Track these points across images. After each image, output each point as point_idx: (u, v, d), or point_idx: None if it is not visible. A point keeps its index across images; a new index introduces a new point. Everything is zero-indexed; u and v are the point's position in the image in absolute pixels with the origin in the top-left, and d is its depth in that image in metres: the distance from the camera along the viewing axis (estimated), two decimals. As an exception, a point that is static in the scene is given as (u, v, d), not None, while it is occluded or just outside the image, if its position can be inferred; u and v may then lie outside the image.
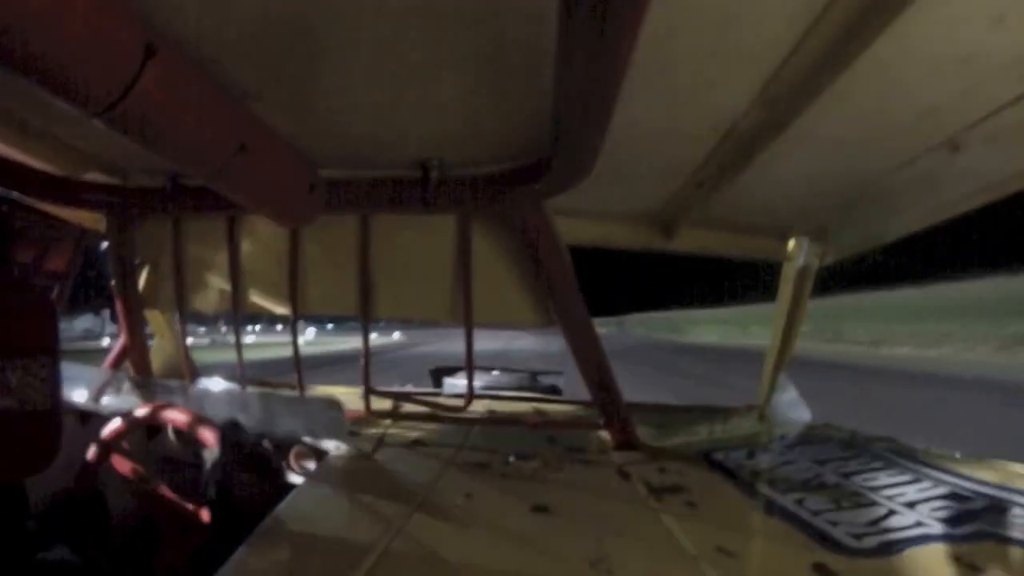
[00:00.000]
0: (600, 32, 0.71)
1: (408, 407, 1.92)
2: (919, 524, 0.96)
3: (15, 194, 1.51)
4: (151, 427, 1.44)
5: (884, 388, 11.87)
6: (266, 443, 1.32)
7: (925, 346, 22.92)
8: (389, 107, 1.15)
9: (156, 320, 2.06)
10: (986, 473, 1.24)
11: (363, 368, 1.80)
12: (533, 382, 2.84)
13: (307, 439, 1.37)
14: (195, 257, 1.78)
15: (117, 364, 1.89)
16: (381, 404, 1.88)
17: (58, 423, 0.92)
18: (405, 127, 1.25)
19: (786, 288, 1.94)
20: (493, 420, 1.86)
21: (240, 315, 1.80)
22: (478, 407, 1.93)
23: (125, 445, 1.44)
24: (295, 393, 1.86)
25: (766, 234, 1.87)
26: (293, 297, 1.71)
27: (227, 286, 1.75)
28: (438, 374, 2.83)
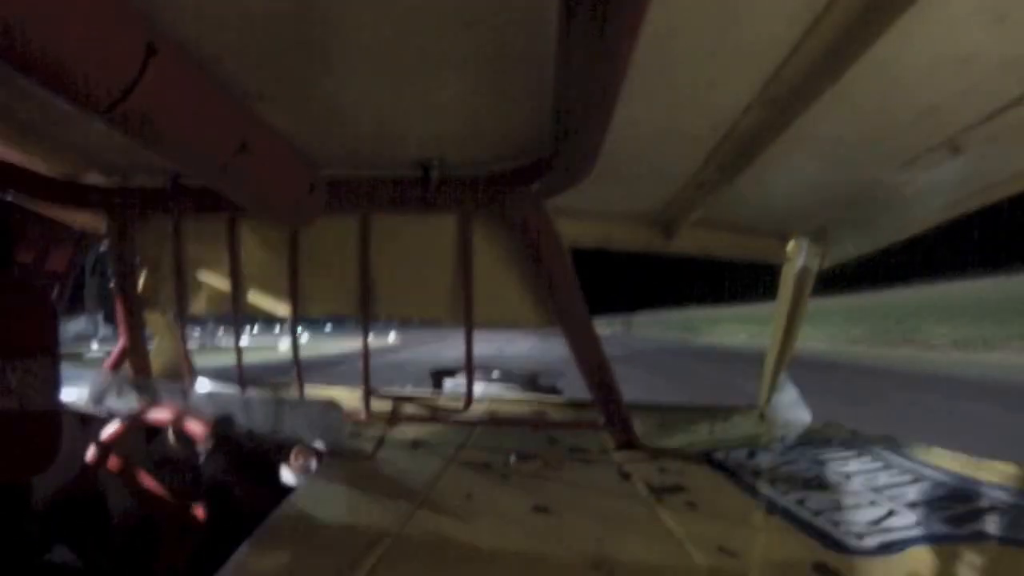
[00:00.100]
0: (600, 32, 0.71)
1: (408, 408, 1.91)
2: (920, 524, 0.96)
3: (16, 195, 1.51)
4: (151, 428, 1.44)
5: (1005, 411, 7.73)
6: (256, 436, 1.32)
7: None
8: (389, 107, 1.15)
9: (156, 321, 2.06)
10: (988, 474, 1.23)
11: (363, 369, 1.80)
12: (533, 383, 2.84)
13: (307, 441, 1.37)
14: (195, 258, 1.78)
15: (117, 365, 1.89)
16: (381, 405, 1.88)
17: (58, 424, 0.92)
18: (405, 127, 1.25)
19: (786, 289, 1.94)
20: (493, 421, 1.86)
21: (240, 316, 1.80)
22: (478, 408, 1.93)
23: (125, 446, 1.44)
24: (295, 395, 1.86)
25: (766, 235, 1.87)
26: (293, 298, 1.71)
27: (227, 287, 1.75)
28: (438, 375, 2.83)
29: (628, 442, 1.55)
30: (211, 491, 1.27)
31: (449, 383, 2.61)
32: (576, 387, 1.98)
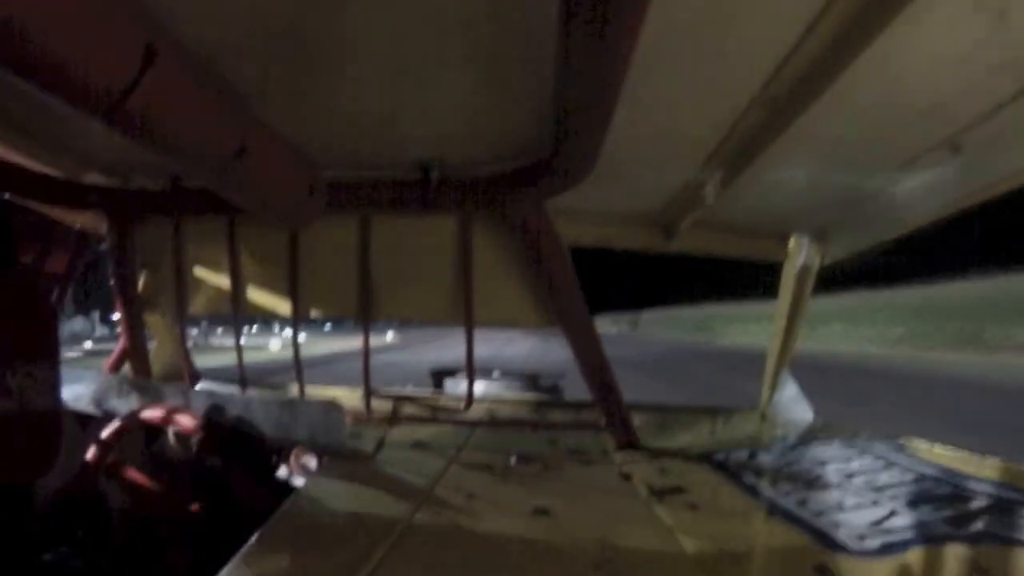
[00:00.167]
0: (600, 32, 0.71)
1: (408, 408, 1.91)
2: (922, 524, 0.96)
3: (16, 195, 1.51)
4: (151, 429, 1.44)
5: None
6: (268, 445, 1.32)
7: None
8: (389, 108, 1.15)
9: (156, 323, 2.06)
10: (990, 473, 1.23)
11: (363, 370, 1.80)
12: (534, 383, 2.83)
13: (308, 441, 1.36)
14: (195, 259, 1.78)
15: (117, 366, 1.89)
16: (382, 406, 1.88)
17: (59, 425, 0.92)
18: (405, 128, 1.25)
19: (787, 288, 1.94)
20: (494, 421, 1.86)
21: (240, 317, 1.80)
22: (479, 408, 1.93)
23: (125, 446, 1.44)
24: (295, 395, 1.86)
25: (767, 234, 1.87)
26: (293, 298, 1.71)
27: (227, 288, 1.75)
28: (438, 375, 2.82)
29: (629, 443, 1.55)
30: (211, 491, 1.27)
31: (450, 383, 2.61)
32: (576, 387, 1.98)
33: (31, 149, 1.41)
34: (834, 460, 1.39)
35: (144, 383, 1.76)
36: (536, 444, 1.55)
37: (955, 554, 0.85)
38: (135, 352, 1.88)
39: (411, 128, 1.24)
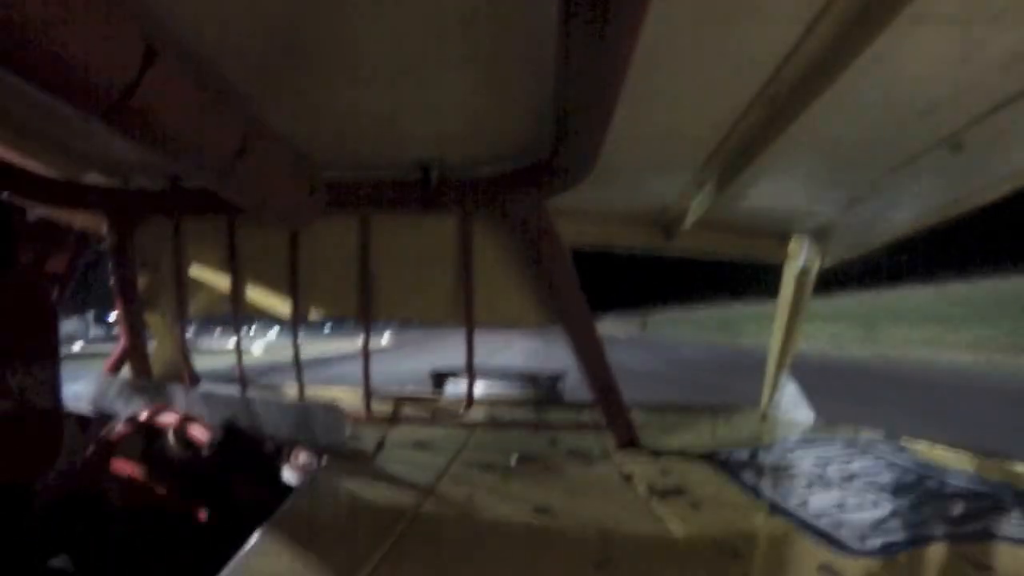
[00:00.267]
0: (600, 32, 0.71)
1: (409, 409, 1.91)
2: (924, 524, 0.96)
3: (16, 196, 1.51)
4: (151, 429, 1.44)
5: None
6: (268, 445, 1.32)
7: None
8: (389, 109, 1.15)
9: (156, 323, 2.06)
10: (992, 472, 1.23)
11: (363, 370, 1.80)
12: (535, 383, 2.83)
13: (308, 442, 1.36)
14: (195, 259, 1.78)
15: (117, 367, 1.89)
16: (382, 407, 1.88)
17: (59, 425, 0.92)
18: (405, 129, 1.25)
19: (787, 288, 1.94)
20: (494, 422, 1.86)
21: (240, 318, 1.80)
22: (479, 409, 1.93)
23: (125, 447, 1.44)
24: (295, 396, 1.86)
25: (767, 234, 1.87)
26: (293, 299, 1.71)
27: (227, 289, 1.75)
28: (438, 376, 2.82)
29: (629, 443, 1.55)
30: (211, 491, 1.27)
31: (450, 384, 2.61)
32: (577, 388, 1.96)
33: (31, 149, 1.41)
34: (836, 460, 1.39)
35: (144, 383, 1.76)
36: (536, 444, 1.55)
37: (957, 553, 0.85)
38: (135, 352, 1.88)
39: (411, 128, 1.24)
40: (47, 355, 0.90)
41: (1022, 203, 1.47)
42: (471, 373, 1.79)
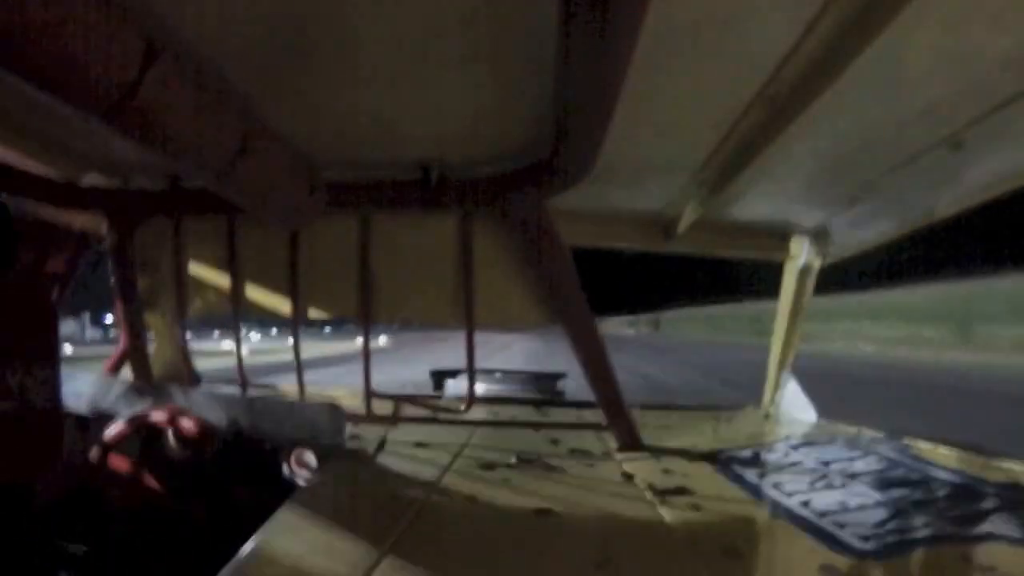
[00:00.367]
0: (600, 32, 0.71)
1: (409, 409, 1.91)
2: (927, 525, 0.95)
3: (16, 197, 1.51)
4: (151, 429, 1.44)
5: None
6: (268, 445, 1.32)
7: None
8: (389, 108, 1.15)
9: (156, 323, 2.06)
10: (995, 473, 1.23)
11: (364, 370, 1.80)
12: (535, 383, 2.83)
13: (308, 442, 1.36)
14: (195, 260, 1.78)
15: (117, 368, 1.89)
16: (382, 407, 1.87)
17: (59, 424, 0.92)
18: (405, 128, 1.25)
19: (788, 287, 1.94)
20: (495, 422, 1.86)
21: (240, 318, 1.80)
22: (480, 409, 1.92)
23: (125, 447, 1.44)
24: (296, 396, 1.86)
25: (767, 234, 1.88)
26: (294, 299, 1.71)
27: (227, 289, 1.75)
28: (439, 376, 2.82)
29: (631, 443, 1.55)
30: (211, 491, 1.27)
31: (451, 384, 2.61)
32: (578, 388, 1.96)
33: (31, 150, 1.41)
34: (838, 460, 1.38)
35: (144, 383, 1.76)
36: (537, 444, 1.55)
37: (961, 554, 0.85)
38: (135, 353, 1.88)
39: (411, 128, 1.24)
40: (47, 355, 0.90)
41: (1022, 203, 1.47)
42: (471, 373, 1.79)
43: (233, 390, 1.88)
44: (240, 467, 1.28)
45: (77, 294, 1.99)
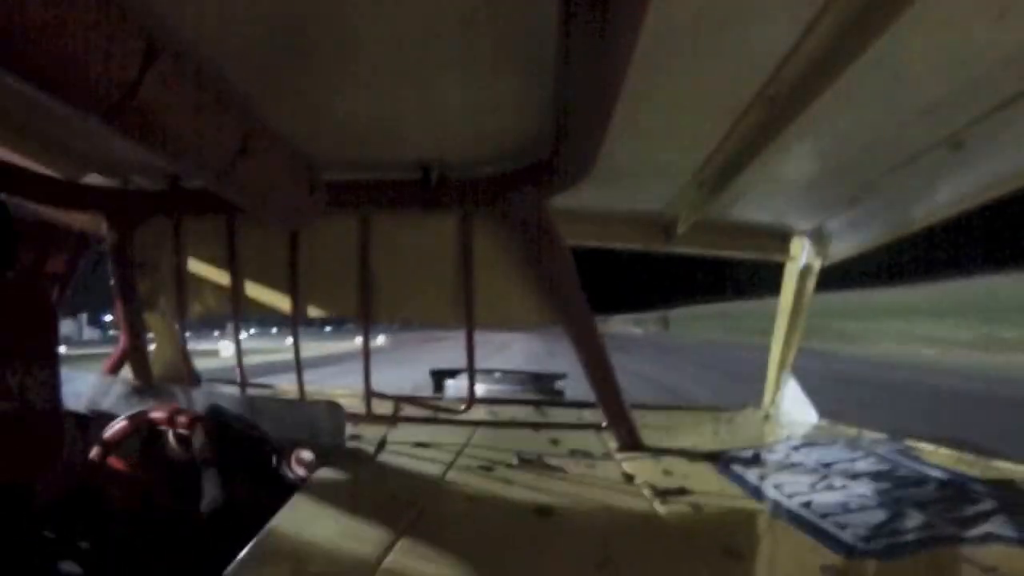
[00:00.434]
0: (600, 32, 0.71)
1: (409, 409, 1.91)
2: (928, 526, 0.95)
3: (16, 197, 1.51)
4: (151, 429, 1.44)
5: None
6: (268, 445, 1.32)
7: None
8: (389, 109, 1.15)
9: (156, 323, 2.06)
10: (996, 474, 1.23)
11: (364, 371, 1.80)
12: (536, 383, 2.83)
13: (308, 442, 1.36)
14: (195, 260, 1.78)
15: (117, 368, 1.89)
16: (382, 407, 1.87)
17: (59, 424, 0.92)
18: (405, 129, 1.25)
19: (788, 287, 1.94)
20: (495, 422, 1.86)
21: (240, 318, 1.80)
22: (480, 409, 1.92)
23: (125, 447, 1.44)
24: (296, 396, 1.86)
25: (767, 234, 1.88)
26: (294, 299, 1.71)
27: (227, 288, 1.75)
28: (439, 376, 2.82)
29: (631, 443, 1.55)
30: (210, 491, 1.26)
31: (451, 384, 2.60)
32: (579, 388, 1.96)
33: (31, 150, 1.41)
34: (839, 461, 1.38)
35: (144, 383, 1.76)
36: (538, 444, 1.54)
37: (961, 555, 0.85)
38: (135, 353, 1.88)
39: (411, 128, 1.24)
40: (47, 355, 0.90)
41: (1022, 203, 1.47)
42: (471, 373, 1.79)
43: (233, 390, 1.88)
44: (240, 467, 1.28)
45: (76, 294, 1.99)
